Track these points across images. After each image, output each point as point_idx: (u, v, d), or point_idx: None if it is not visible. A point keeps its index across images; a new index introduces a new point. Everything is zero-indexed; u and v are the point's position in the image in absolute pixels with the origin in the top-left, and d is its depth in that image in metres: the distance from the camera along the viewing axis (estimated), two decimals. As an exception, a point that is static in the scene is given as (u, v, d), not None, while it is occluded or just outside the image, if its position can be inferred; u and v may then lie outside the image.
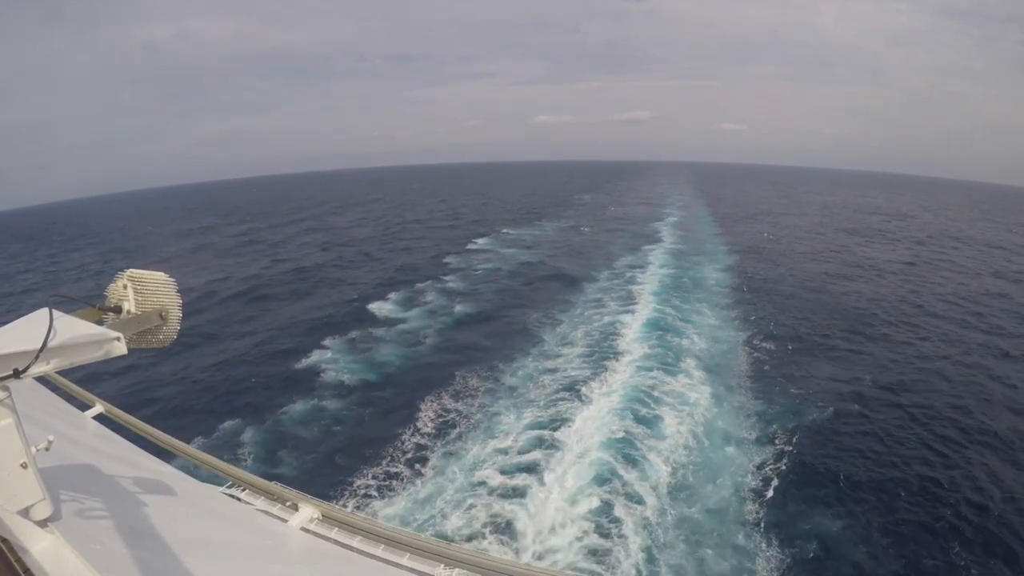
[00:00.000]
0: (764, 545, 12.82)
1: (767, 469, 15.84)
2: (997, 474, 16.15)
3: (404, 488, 15.11)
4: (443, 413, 19.42)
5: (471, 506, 13.72)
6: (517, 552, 12.02)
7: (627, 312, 29.74)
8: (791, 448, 16.92)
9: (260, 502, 4.78)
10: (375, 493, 14.91)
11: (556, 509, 13.38)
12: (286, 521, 4.48)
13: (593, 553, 12.03)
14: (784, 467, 15.90)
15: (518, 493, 14.12)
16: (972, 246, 60.82)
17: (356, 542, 4.32)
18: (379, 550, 4.23)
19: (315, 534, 4.38)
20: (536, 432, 17.18)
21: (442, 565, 4.10)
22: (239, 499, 4.79)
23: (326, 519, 4.56)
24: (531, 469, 15.22)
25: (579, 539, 12.43)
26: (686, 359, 23.18)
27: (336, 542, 4.31)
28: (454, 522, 13.28)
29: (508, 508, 13.51)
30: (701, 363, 22.98)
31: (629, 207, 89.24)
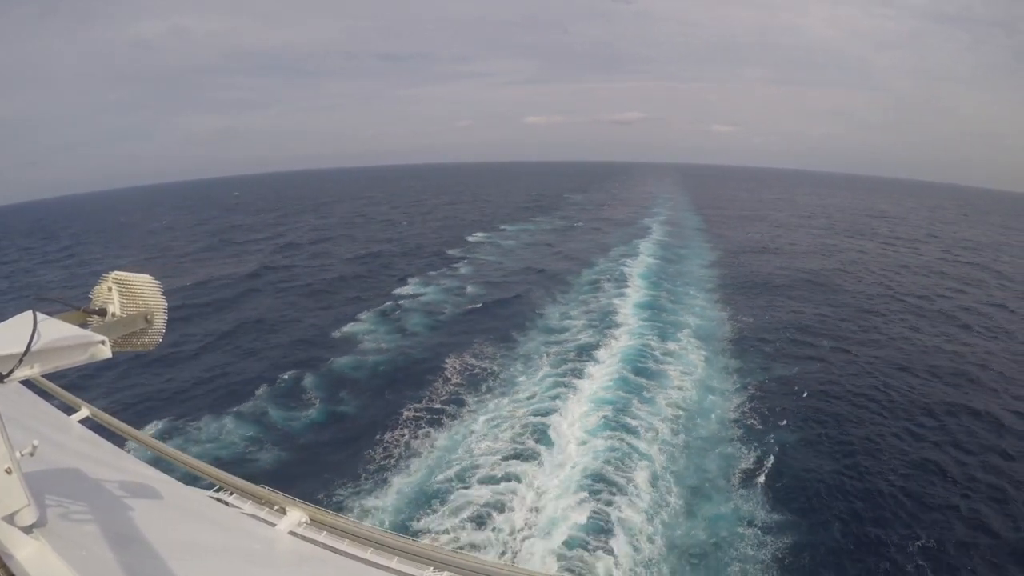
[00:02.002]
0: (747, 452, 16.60)
1: (744, 408, 19.51)
2: (934, 399, 20.27)
3: (451, 420, 18.44)
4: (469, 368, 22.82)
5: (509, 427, 17.24)
6: (554, 454, 15.53)
7: (622, 294, 33.37)
8: (761, 392, 20.75)
9: (248, 506, 4.82)
10: (425, 425, 18.25)
11: (579, 429, 16.86)
12: (274, 525, 4.52)
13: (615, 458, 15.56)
14: (756, 404, 19.71)
15: (547, 412, 17.81)
16: (947, 241, 65.61)
17: (344, 545, 4.38)
18: (367, 553, 4.31)
19: (303, 538, 4.40)
20: (554, 379, 20.82)
21: (431, 568, 4.14)
22: (226, 503, 4.85)
23: (314, 523, 4.61)
24: (557, 396, 18.96)
25: (604, 448, 15.98)
26: (678, 328, 26.89)
27: (324, 546, 4.36)
28: (491, 442, 16.60)
29: (541, 422, 17.14)
30: (691, 331, 26.69)
31: (622, 207, 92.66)
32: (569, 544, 12.31)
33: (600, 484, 14.37)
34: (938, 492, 15.16)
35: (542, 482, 14.51)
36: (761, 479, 15.07)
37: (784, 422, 18.43)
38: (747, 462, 15.91)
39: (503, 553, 12.03)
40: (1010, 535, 13.58)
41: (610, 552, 12.09)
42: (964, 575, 12.40)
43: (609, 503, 13.62)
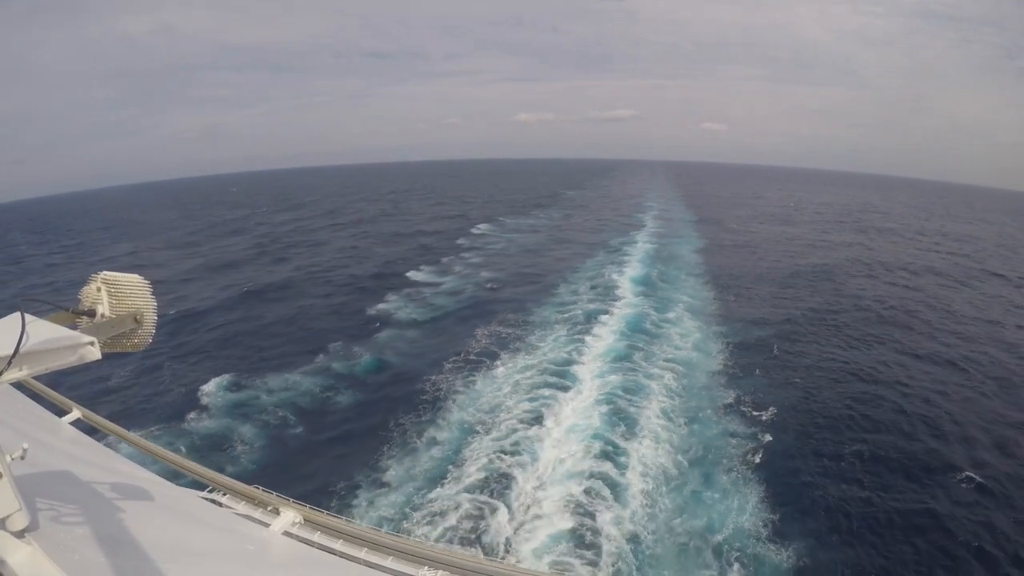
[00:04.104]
0: (730, 392, 20.54)
1: (730, 365, 23.35)
2: (888, 347, 24.52)
3: (483, 373, 22.02)
4: (496, 333, 26.56)
5: (538, 371, 21.16)
6: (578, 389, 19.45)
7: (622, 273, 37.52)
8: (741, 352, 24.72)
9: (241, 507, 4.84)
10: (466, 372, 22.00)
11: (593, 376, 20.78)
12: (268, 526, 4.54)
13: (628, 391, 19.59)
14: (738, 359, 23.73)
15: (567, 363, 21.86)
16: (933, 234, 70.53)
17: (339, 546, 4.40)
18: (362, 553, 4.33)
19: (297, 538, 4.42)
20: (571, 336, 24.84)
21: (426, 567, 4.18)
22: (220, 504, 4.86)
23: (308, 523, 4.63)
24: (572, 355, 22.99)
25: (617, 387, 19.96)
26: (672, 302, 30.97)
27: (319, 546, 4.39)
28: (511, 387, 20.30)
29: (562, 369, 21.17)
30: (683, 305, 30.66)
31: (616, 202, 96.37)
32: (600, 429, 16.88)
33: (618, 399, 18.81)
34: (878, 413, 19.36)
35: (571, 406, 18.48)
36: (739, 408, 19.23)
37: (761, 372, 22.56)
38: (729, 398, 19.93)
39: (539, 459, 15.69)
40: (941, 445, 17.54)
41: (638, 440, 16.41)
42: (897, 478, 16.24)
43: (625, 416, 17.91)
